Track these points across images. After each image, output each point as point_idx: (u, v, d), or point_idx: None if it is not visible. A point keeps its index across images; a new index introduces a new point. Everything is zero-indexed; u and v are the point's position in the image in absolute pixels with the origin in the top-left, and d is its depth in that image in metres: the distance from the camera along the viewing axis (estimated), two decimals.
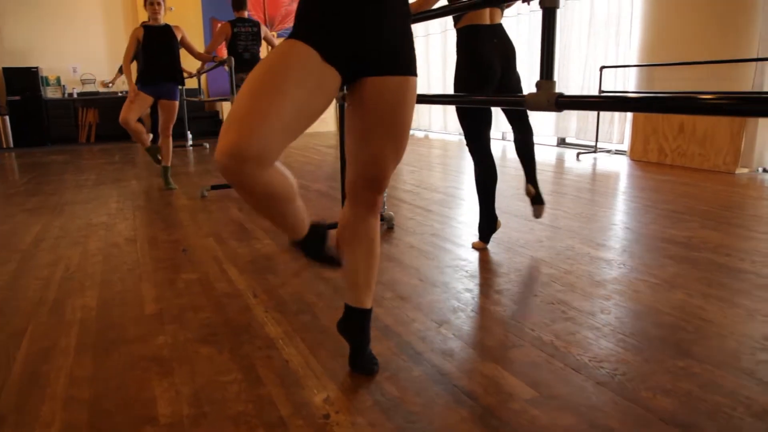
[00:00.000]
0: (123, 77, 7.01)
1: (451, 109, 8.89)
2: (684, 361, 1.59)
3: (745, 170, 4.83)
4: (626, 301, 2.03)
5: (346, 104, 1.38)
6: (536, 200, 2.72)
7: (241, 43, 5.35)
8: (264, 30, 5.55)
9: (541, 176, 4.82)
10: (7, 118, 8.00)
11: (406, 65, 1.31)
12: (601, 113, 6.10)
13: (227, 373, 1.54)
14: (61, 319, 1.96)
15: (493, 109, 2.76)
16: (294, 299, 2.08)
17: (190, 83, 7.78)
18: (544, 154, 6.25)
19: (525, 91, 1.68)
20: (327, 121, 9.81)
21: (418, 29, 8.93)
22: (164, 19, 4.27)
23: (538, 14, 6.57)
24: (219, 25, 9.04)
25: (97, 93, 8.66)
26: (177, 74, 4.28)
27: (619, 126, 6.02)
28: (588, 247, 2.68)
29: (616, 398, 1.40)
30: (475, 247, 2.70)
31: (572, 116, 6.55)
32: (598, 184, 4.45)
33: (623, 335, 1.75)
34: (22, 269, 2.52)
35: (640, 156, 5.61)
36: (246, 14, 5.46)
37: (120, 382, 1.51)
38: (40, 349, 1.74)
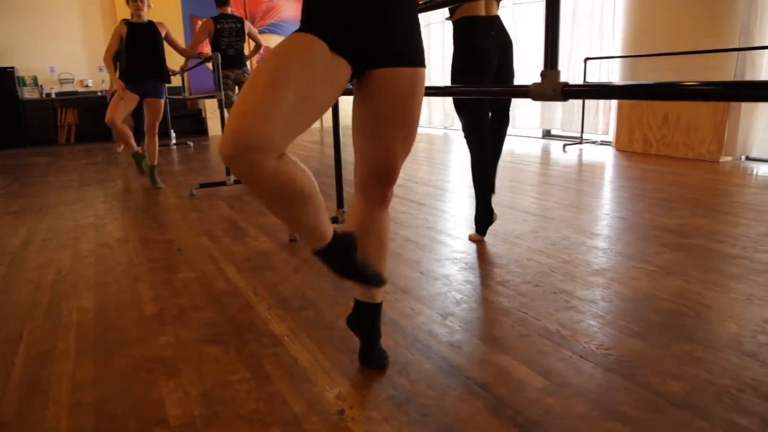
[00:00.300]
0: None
1: (436, 103, 8.89)
2: (688, 345, 1.60)
3: (729, 158, 4.91)
4: (626, 288, 2.05)
5: (353, 98, 1.36)
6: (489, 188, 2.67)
7: (224, 39, 5.28)
8: (248, 26, 5.49)
9: (529, 168, 4.86)
10: None
11: (416, 56, 1.30)
12: (587, 104, 6.15)
13: (235, 372, 1.52)
14: (57, 322, 1.92)
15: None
16: (295, 296, 2.06)
17: (173, 81, 7.65)
18: (530, 146, 6.29)
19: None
20: None
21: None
22: (146, 14, 4.19)
23: (526, 6, 6.59)
24: (201, 21, 8.92)
25: (75, 93, 8.48)
26: (162, 71, 4.21)
27: (604, 117, 6.08)
28: (583, 237, 2.70)
29: (626, 384, 1.41)
30: (471, 239, 2.70)
31: (557, 108, 6.59)
32: (586, 174, 4.49)
33: (626, 322, 1.77)
34: (12, 273, 2.46)
35: (625, 146, 5.67)
36: (229, 10, 5.40)
37: (125, 385, 1.48)
38: (39, 353, 1.70)
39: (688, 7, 5.03)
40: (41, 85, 8.31)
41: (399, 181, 4.38)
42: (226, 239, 2.87)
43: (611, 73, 5.88)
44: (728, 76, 4.80)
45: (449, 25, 2.65)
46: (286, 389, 1.42)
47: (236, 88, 5.45)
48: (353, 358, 1.56)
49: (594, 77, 5.96)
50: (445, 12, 2.52)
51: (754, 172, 4.32)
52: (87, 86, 8.64)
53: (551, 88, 1.45)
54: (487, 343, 1.65)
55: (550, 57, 1.47)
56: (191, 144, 7.59)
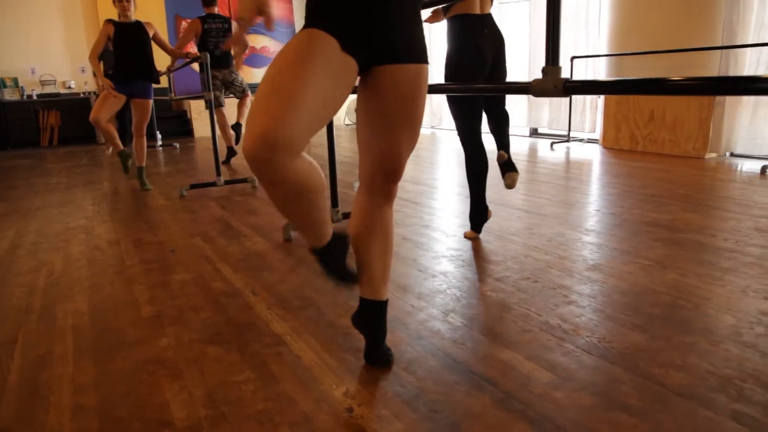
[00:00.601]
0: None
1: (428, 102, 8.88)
2: (689, 337, 1.62)
3: (714, 155, 4.99)
4: (623, 283, 2.07)
5: (357, 95, 1.36)
6: (508, 166, 2.64)
7: (212, 39, 5.24)
8: (235, 26, 5.44)
9: (517, 165, 4.89)
10: None
11: (421, 53, 1.30)
12: (573, 102, 6.21)
13: (239, 373, 1.51)
14: (52, 325, 1.88)
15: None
16: (295, 295, 2.05)
17: (160, 81, 7.56)
18: (518, 145, 6.33)
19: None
20: None
21: None
22: (133, 15, 4.13)
23: (512, 6, 6.63)
24: (185, 22, 8.83)
25: (58, 94, 8.35)
26: (152, 72, 4.16)
27: (591, 115, 6.14)
28: (577, 233, 2.72)
29: (631, 376, 1.42)
30: (467, 236, 2.71)
31: (544, 106, 6.64)
32: (574, 172, 4.53)
33: (626, 316, 1.79)
34: (3, 276, 2.41)
35: (612, 144, 5.73)
36: (216, 10, 5.35)
37: (127, 387, 1.46)
38: (35, 357, 1.66)
39: (672, 6, 5.10)
40: (22, 87, 8.16)
41: None
42: (221, 240, 2.85)
43: (597, 72, 5.94)
44: (712, 74, 4.87)
45: (440, 22, 2.65)
46: (293, 388, 1.41)
47: (223, 88, 5.41)
48: (358, 356, 1.56)
49: (580, 75, 6.02)
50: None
51: (739, 168, 4.39)
52: (69, 88, 8.51)
53: (553, 84, 1.46)
54: (489, 339, 1.66)
55: (552, 53, 1.48)
56: (177, 145, 7.52)
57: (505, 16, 6.75)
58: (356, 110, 1.39)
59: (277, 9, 9.92)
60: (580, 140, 6.31)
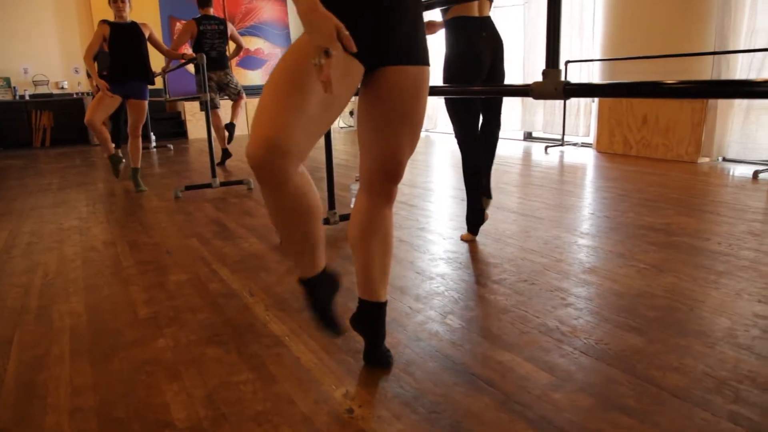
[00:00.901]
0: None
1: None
2: (685, 339, 1.64)
3: (706, 159, 5.03)
4: (619, 286, 2.08)
5: (359, 96, 1.36)
6: (484, 192, 2.68)
7: (207, 41, 5.23)
8: (230, 28, 5.44)
9: (512, 169, 4.91)
10: None
11: (422, 55, 1.31)
12: (568, 106, 6.24)
13: (238, 374, 1.50)
14: (49, 326, 1.87)
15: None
16: (293, 297, 2.05)
17: (155, 82, 7.54)
18: (512, 149, 6.36)
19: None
20: None
21: None
22: (129, 15, 4.12)
23: (507, 10, 6.66)
24: (180, 23, 8.82)
25: (51, 95, 8.30)
26: (148, 73, 4.15)
27: (585, 119, 6.18)
28: (573, 236, 2.74)
29: (628, 378, 1.43)
30: (464, 239, 2.72)
31: (539, 110, 6.68)
32: (568, 175, 4.55)
33: (623, 318, 1.80)
34: None
35: (606, 148, 5.77)
36: (211, 11, 5.35)
37: (126, 389, 1.46)
38: (32, 357, 1.65)
39: (665, 12, 5.15)
40: (14, 87, 8.11)
41: None
42: (217, 241, 2.84)
43: (591, 76, 5.98)
44: (705, 78, 4.92)
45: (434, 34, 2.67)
46: (292, 389, 1.41)
47: (218, 90, 5.40)
48: (357, 358, 1.56)
49: (575, 79, 6.06)
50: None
51: (731, 173, 4.43)
52: (62, 88, 8.46)
53: (553, 86, 1.47)
54: (488, 341, 1.66)
55: (552, 56, 1.50)
56: (171, 147, 7.49)
57: (501, 20, 6.79)
58: (357, 111, 1.39)
59: (270, 11, 9.92)
60: (574, 144, 6.34)
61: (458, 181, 4.32)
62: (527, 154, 5.90)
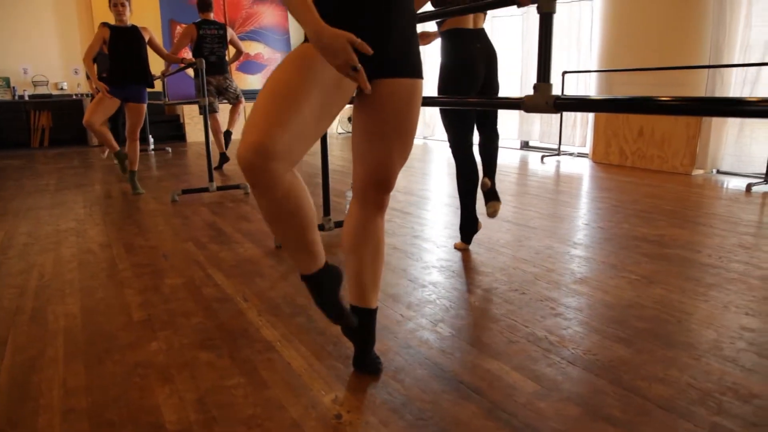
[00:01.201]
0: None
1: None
2: (671, 351, 1.66)
3: (701, 171, 5.07)
4: (609, 296, 2.11)
5: (353, 106, 1.39)
6: (491, 196, 2.72)
7: (207, 45, 5.26)
8: (230, 32, 5.48)
9: (508, 178, 4.94)
10: None
11: (416, 67, 1.34)
12: (564, 117, 6.29)
13: (230, 378, 1.52)
14: (44, 327, 1.89)
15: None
16: (286, 302, 2.07)
17: (154, 85, 7.57)
18: (509, 158, 6.40)
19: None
20: None
21: None
22: (129, 19, 4.15)
23: (505, 20, 6.72)
24: (180, 27, 8.86)
25: (50, 96, 8.32)
26: (146, 76, 4.17)
27: (581, 129, 6.23)
28: (566, 246, 2.76)
29: (614, 388, 1.45)
30: (457, 247, 2.74)
31: (536, 120, 6.72)
32: (564, 185, 4.59)
33: (612, 329, 1.82)
34: None
35: (601, 158, 5.81)
36: (211, 16, 5.38)
37: (119, 391, 1.47)
38: (26, 359, 1.67)
39: (661, 25, 5.21)
40: (14, 87, 8.13)
41: None
42: (213, 245, 2.86)
43: (588, 87, 6.03)
44: (700, 92, 4.98)
45: (428, 45, 2.71)
46: (283, 394, 1.43)
47: (217, 94, 5.43)
48: (347, 363, 1.58)
49: (571, 90, 6.11)
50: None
51: (725, 185, 4.47)
52: (62, 89, 8.48)
53: (544, 100, 1.50)
54: (477, 349, 1.68)
55: (543, 71, 1.52)
56: (170, 150, 7.51)
57: (499, 30, 6.85)
58: (352, 121, 1.42)
59: (270, 16, 9.98)
60: (570, 154, 6.38)
61: (454, 189, 4.35)
62: (524, 164, 5.94)
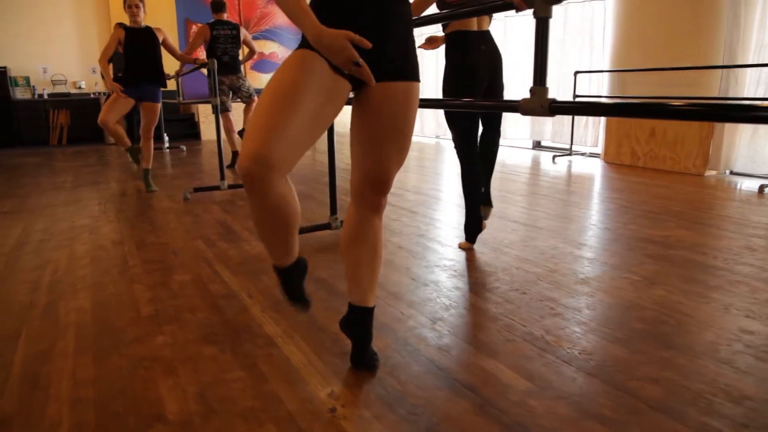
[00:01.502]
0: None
1: (428, 113, 8.98)
2: (668, 352, 1.68)
3: (713, 172, 5.03)
4: (610, 297, 2.12)
5: (351, 109, 1.43)
6: (483, 200, 2.78)
7: (220, 46, 5.34)
8: (243, 33, 5.55)
9: (519, 178, 4.95)
10: None
11: (412, 71, 1.37)
12: (576, 117, 6.26)
13: (231, 372, 1.57)
14: (55, 321, 1.96)
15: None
16: None
17: (168, 85, 7.68)
18: (520, 157, 6.39)
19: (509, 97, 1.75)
20: None
21: None
22: (143, 20, 4.24)
23: (519, 19, 6.71)
24: (195, 26, 8.97)
25: (68, 94, 8.49)
26: (160, 76, 4.26)
27: (593, 130, 6.20)
28: (570, 247, 2.78)
29: (607, 388, 1.48)
30: (461, 247, 2.77)
31: (547, 120, 6.70)
32: (574, 186, 4.58)
33: (609, 329, 1.84)
34: (9, 273, 2.49)
35: (613, 159, 5.78)
36: (225, 17, 5.45)
37: (125, 383, 1.53)
38: (38, 351, 1.73)
39: (674, 25, 5.17)
40: (33, 86, 8.31)
41: (391, 190, 4.44)
42: (221, 243, 2.92)
43: (601, 87, 6.00)
44: (713, 92, 4.93)
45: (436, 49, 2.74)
46: (280, 388, 1.48)
47: (230, 93, 5.50)
48: (345, 360, 1.62)
49: (584, 90, 6.08)
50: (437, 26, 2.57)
51: (738, 187, 4.43)
52: (80, 88, 8.65)
53: (539, 103, 1.52)
54: (474, 347, 1.71)
55: (540, 74, 1.54)
56: (184, 148, 7.62)
57: (512, 31, 6.83)
58: (350, 124, 1.46)
59: (284, 16, 10.04)
60: (582, 154, 6.36)
61: None
62: (535, 164, 5.93)
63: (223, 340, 1.78)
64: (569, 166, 5.65)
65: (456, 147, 2.61)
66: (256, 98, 5.62)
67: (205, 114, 8.82)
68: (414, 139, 8.98)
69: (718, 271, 2.39)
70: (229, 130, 5.58)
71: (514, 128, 7.07)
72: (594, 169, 5.47)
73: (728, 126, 4.94)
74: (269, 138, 1.13)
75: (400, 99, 1.36)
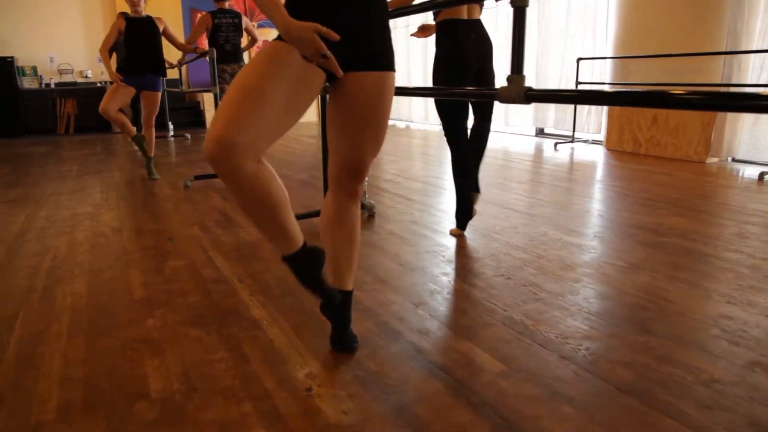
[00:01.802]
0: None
1: (432, 101, 8.97)
2: (644, 337, 1.71)
3: (715, 159, 5.00)
4: (594, 283, 2.15)
5: (328, 98, 1.46)
6: (473, 187, 2.77)
7: (222, 34, 5.37)
8: (245, 21, 5.57)
9: (519, 165, 4.96)
10: None
11: (386, 61, 1.39)
12: (579, 104, 6.23)
13: (215, 352, 1.63)
14: (52, 305, 2.02)
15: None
16: (278, 284, 2.16)
17: (171, 74, 7.74)
18: (523, 145, 6.38)
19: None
20: (308, 112, 9.82)
21: (398, 21, 8.98)
22: (144, 9, 4.28)
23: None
24: (200, 15, 9.00)
25: (75, 83, 8.57)
26: (160, 65, 4.30)
27: (596, 116, 6.17)
28: (561, 233, 2.80)
29: (578, 370, 1.51)
30: (452, 233, 2.80)
31: (550, 107, 6.68)
32: (574, 173, 4.58)
33: (589, 314, 1.87)
34: (10, 259, 2.56)
35: (615, 146, 5.76)
36: (227, 5, 5.47)
37: (113, 363, 1.59)
38: (33, 333, 1.80)
39: (677, 11, 5.12)
40: (41, 75, 8.39)
41: (390, 177, 4.48)
42: (217, 229, 2.97)
43: (604, 73, 5.96)
44: (716, 79, 4.89)
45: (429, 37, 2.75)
46: (261, 368, 1.53)
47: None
48: (326, 342, 1.67)
49: (587, 77, 6.05)
50: (426, 15, 2.57)
51: (739, 174, 4.42)
52: (86, 77, 8.73)
53: (516, 92, 1.55)
54: (453, 331, 1.76)
55: (516, 63, 1.57)
56: (189, 136, 7.69)
57: (502, 19, 6.79)
58: (326, 113, 1.49)
59: None
60: (585, 141, 6.34)
61: None
62: (538, 151, 5.93)
63: (210, 322, 1.84)
64: (571, 154, 5.64)
65: (446, 135, 2.63)
66: None
67: (210, 102, 8.88)
68: (419, 126, 8.98)
69: (706, 258, 2.41)
70: None
71: (518, 116, 7.05)
72: (595, 156, 5.46)
73: (730, 113, 4.90)
74: (233, 123, 1.15)
75: (373, 88, 1.39)
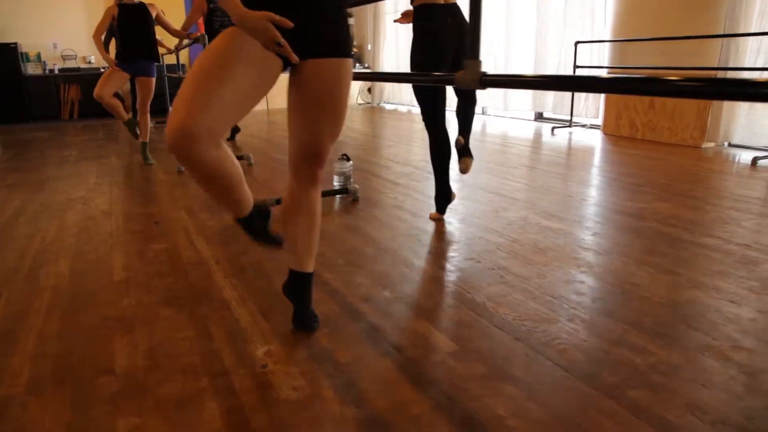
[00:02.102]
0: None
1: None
2: (603, 320, 1.74)
3: (711, 144, 4.97)
4: (563, 266, 2.18)
5: (287, 84, 1.50)
6: (464, 152, 2.84)
7: (217, 18, 5.38)
8: None
9: (513, 150, 4.96)
10: None
11: (343, 48, 1.43)
12: None
13: (182, 331, 1.69)
14: (35, 285, 2.10)
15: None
16: (253, 266, 2.23)
17: (170, 59, 7.78)
18: (521, 129, 6.37)
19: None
20: None
21: (387, 7, 8.95)
22: None
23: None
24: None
25: (78, 69, 8.64)
26: (153, 51, 4.35)
27: (594, 101, 6.13)
28: (540, 218, 2.83)
29: (528, 352, 1.56)
30: (432, 218, 2.84)
31: (549, 91, 6.64)
32: (569, 158, 4.58)
33: (552, 297, 1.91)
34: (1, 241, 2.64)
35: (612, 130, 5.74)
36: None
37: (85, 340, 1.66)
38: (15, 311, 1.88)
39: None
40: (44, 61, 8.47)
41: (382, 162, 4.51)
42: (203, 214, 3.04)
43: (602, 57, 5.91)
44: (713, 62, 4.84)
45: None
46: (223, 346, 1.59)
47: None
48: (289, 322, 1.72)
49: (585, 60, 6.00)
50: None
51: (731, 159, 4.40)
52: (90, 63, 8.80)
53: (471, 77, 1.58)
54: (413, 312, 1.81)
55: (472, 48, 1.59)
56: None
57: (516, 2, 6.74)
58: (287, 99, 1.53)
59: None
60: (583, 126, 6.31)
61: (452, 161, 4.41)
62: (536, 135, 5.92)
63: (183, 303, 1.90)
64: (569, 138, 5.62)
65: (424, 119, 2.66)
66: None
67: None
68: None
69: (683, 244, 2.43)
70: None
71: (516, 100, 7.02)
72: (592, 140, 5.44)
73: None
74: (193, 111, 1.20)
75: (330, 75, 1.43)
